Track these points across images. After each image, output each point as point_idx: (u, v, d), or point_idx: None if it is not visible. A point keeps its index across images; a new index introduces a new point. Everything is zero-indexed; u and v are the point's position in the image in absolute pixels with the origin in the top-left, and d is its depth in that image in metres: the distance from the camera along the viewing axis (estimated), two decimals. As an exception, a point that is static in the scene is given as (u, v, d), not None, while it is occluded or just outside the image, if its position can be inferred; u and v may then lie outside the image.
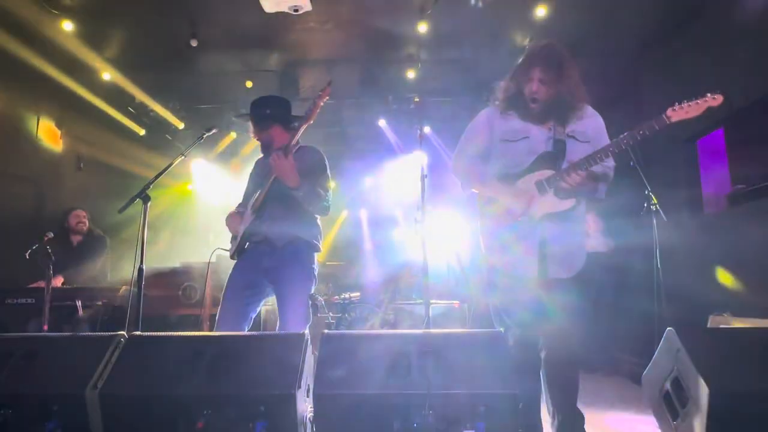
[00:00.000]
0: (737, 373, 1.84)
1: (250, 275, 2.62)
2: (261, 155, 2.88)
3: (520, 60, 2.22)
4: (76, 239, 4.42)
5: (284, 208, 2.62)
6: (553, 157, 2.15)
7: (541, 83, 2.13)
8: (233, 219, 2.77)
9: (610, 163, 2.23)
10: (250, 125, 2.82)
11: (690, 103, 1.98)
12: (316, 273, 2.71)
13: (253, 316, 2.64)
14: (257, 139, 2.80)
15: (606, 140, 2.23)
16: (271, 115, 2.75)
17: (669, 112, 1.99)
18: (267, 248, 2.63)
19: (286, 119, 2.78)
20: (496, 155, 2.29)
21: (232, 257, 2.74)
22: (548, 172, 2.15)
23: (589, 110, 2.28)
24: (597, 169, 2.12)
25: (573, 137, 2.18)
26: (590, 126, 2.23)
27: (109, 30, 4.72)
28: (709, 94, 1.98)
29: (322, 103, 2.46)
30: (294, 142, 2.54)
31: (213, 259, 2.97)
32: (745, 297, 3.63)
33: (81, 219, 4.43)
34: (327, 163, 2.79)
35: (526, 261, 2.16)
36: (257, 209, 2.65)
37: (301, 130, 2.52)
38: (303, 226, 2.66)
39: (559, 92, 2.13)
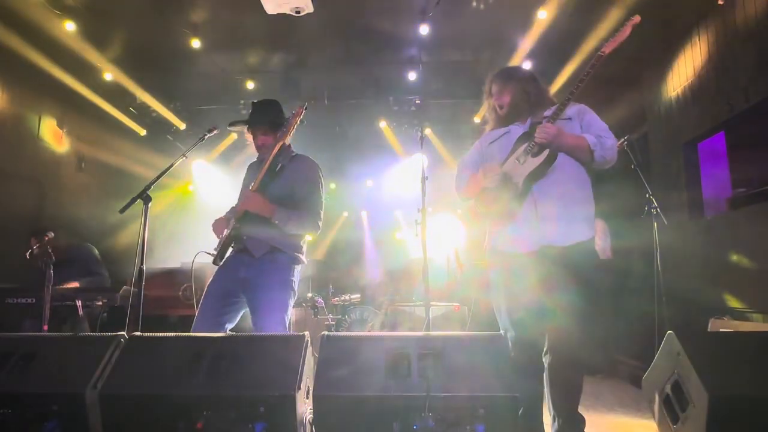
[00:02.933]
0: (738, 377, 1.84)
1: (227, 285, 2.56)
2: (253, 160, 2.87)
3: (486, 90, 2.50)
4: (57, 257, 3.84)
5: (266, 221, 2.55)
6: (529, 135, 2.25)
7: (498, 92, 2.42)
8: (219, 224, 2.71)
9: (606, 134, 2.26)
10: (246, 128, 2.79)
11: (616, 34, 2.22)
12: (295, 287, 2.62)
13: (230, 326, 2.56)
14: (260, 143, 2.74)
15: (592, 117, 2.31)
16: (279, 119, 2.76)
17: (603, 48, 2.22)
18: (246, 257, 2.58)
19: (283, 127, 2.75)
20: (487, 160, 2.42)
21: (214, 263, 2.65)
22: (525, 145, 2.25)
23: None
24: (588, 138, 2.21)
25: (550, 117, 2.26)
26: (571, 109, 2.33)
27: (112, 30, 4.73)
28: (626, 21, 2.20)
29: (296, 122, 2.53)
30: (266, 166, 2.56)
31: (195, 264, 2.82)
32: (746, 300, 3.63)
33: (33, 248, 3.85)
34: (320, 179, 2.72)
35: (523, 233, 2.19)
36: (239, 218, 2.59)
37: (276, 149, 2.56)
38: (284, 237, 2.58)
39: (514, 93, 2.37)
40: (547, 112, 2.30)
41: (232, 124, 2.88)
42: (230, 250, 2.66)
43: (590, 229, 2.22)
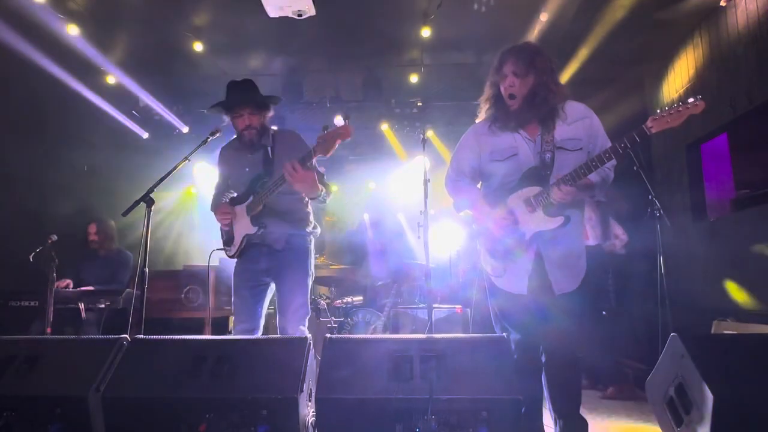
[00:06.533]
0: (742, 380, 1.83)
1: (252, 276, 2.70)
2: (227, 143, 2.93)
3: (495, 64, 2.20)
4: (100, 253, 4.46)
5: (282, 214, 2.69)
6: (539, 172, 2.11)
7: (515, 76, 2.10)
8: (224, 212, 2.74)
9: (610, 163, 2.12)
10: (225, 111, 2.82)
11: (671, 111, 1.89)
12: (312, 267, 2.78)
13: (263, 310, 2.73)
14: (245, 124, 2.73)
15: (602, 140, 2.17)
16: (266, 99, 2.77)
17: (649, 122, 1.92)
18: (265, 249, 2.71)
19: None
20: (487, 175, 2.29)
21: (232, 257, 2.79)
22: (536, 189, 2.11)
23: (579, 111, 2.19)
24: (592, 177, 2.04)
25: (563, 148, 2.11)
26: (581, 130, 2.15)
27: (115, 34, 4.75)
28: (690, 100, 1.89)
29: (339, 142, 2.33)
30: (312, 161, 2.44)
31: (214, 262, 2.95)
32: (750, 302, 3.61)
33: (91, 234, 4.46)
34: (305, 142, 2.75)
35: (519, 279, 2.14)
36: (256, 217, 2.66)
37: (315, 158, 2.43)
38: (298, 223, 2.74)
39: (534, 85, 2.09)
40: (558, 136, 2.10)
41: (211, 108, 2.85)
42: (245, 242, 2.74)
43: (584, 265, 2.18)
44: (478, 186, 2.39)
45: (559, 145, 2.11)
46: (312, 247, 2.82)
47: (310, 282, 2.75)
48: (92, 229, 4.47)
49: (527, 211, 2.12)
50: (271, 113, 2.84)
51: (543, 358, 2.19)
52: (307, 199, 2.75)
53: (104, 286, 4.11)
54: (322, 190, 2.58)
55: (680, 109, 1.89)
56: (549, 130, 2.12)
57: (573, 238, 2.16)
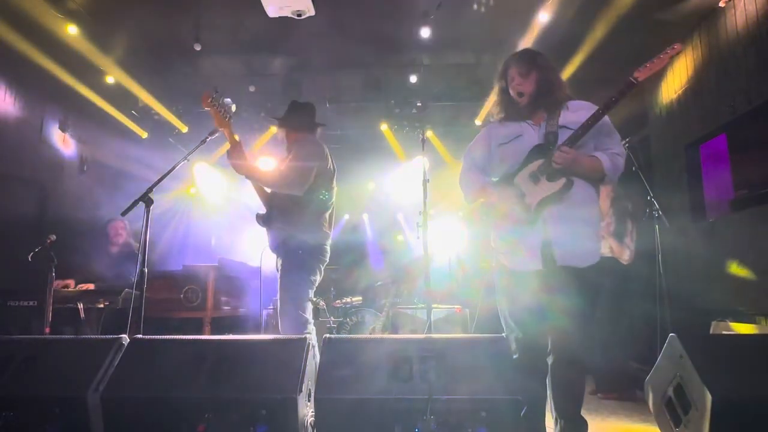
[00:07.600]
0: (740, 380, 1.83)
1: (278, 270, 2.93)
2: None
3: (499, 71, 2.37)
4: (114, 249, 4.50)
5: (279, 214, 2.82)
6: (544, 148, 2.20)
7: (520, 76, 2.26)
8: None
9: (617, 149, 2.22)
10: None
11: (653, 60, 2.09)
12: (306, 270, 2.80)
13: None
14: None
15: (606, 126, 2.25)
16: (284, 118, 3.09)
17: (636, 73, 2.08)
18: (272, 252, 2.92)
19: (292, 123, 3.07)
20: (495, 162, 2.37)
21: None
22: (540, 161, 2.19)
23: (583, 104, 2.29)
24: (601, 156, 2.15)
25: (565, 127, 2.20)
26: (585, 117, 2.20)
27: (114, 33, 4.75)
28: (668, 48, 2.09)
29: (207, 109, 2.67)
30: (232, 141, 2.77)
31: (254, 262, 3.20)
32: (748, 303, 3.62)
33: (119, 231, 4.54)
34: (305, 149, 2.90)
35: (530, 253, 2.16)
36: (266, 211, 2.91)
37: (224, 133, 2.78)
38: (292, 225, 2.81)
39: (538, 80, 2.24)
40: (563, 120, 2.20)
41: (276, 118, 3.24)
42: None
43: (598, 247, 2.19)
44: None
45: (562, 125, 2.21)
46: (311, 252, 2.83)
47: (300, 288, 2.73)
48: (119, 225, 4.56)
49: (533, 184, 2.19)
50: (286, 130, 3.08)
51: (549, 360, 2.19)
52: (310, 202, 2.81)
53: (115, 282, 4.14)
54: (267, 183, 2.79)
55: (661, 55, 2.10)
56: (554, 117, 2.24)
57: (579, 208, 2.17)
